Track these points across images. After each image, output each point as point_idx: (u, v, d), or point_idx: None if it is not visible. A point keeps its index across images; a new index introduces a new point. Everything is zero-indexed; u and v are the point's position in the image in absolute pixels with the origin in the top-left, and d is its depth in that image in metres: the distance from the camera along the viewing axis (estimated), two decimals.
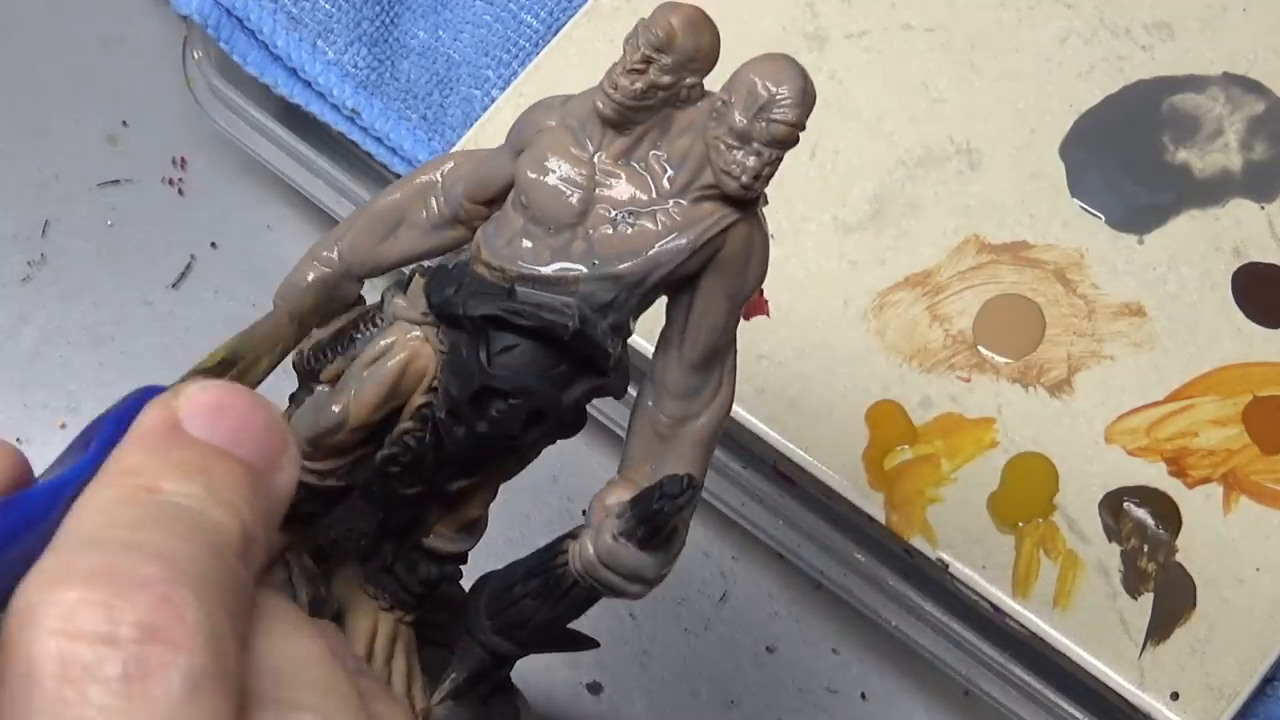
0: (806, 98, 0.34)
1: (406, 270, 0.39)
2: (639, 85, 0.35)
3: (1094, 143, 0.60)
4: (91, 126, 0.67)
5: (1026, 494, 0.55)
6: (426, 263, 0.39)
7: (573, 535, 0.38)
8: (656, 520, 0.36)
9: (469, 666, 0.41)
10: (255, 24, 0.62)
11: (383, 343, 0.37)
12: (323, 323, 0.40)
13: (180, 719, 0.26)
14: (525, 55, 0.63)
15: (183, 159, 0.67)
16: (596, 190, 0.36)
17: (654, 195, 0.36)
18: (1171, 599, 0.54)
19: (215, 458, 0.29)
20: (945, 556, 0.55)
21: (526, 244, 0.36)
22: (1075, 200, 0.59)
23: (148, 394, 0.30)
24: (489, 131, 0.60)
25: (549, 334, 0.36)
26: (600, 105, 0.36)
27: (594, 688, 0.59)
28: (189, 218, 0.66)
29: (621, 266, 0.36)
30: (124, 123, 0.67)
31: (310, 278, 0.40)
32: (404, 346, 0.37)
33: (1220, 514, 0.55)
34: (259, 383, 0.35)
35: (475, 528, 0.41)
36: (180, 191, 0.66)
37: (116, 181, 0.66)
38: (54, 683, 0.25)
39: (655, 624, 0.60)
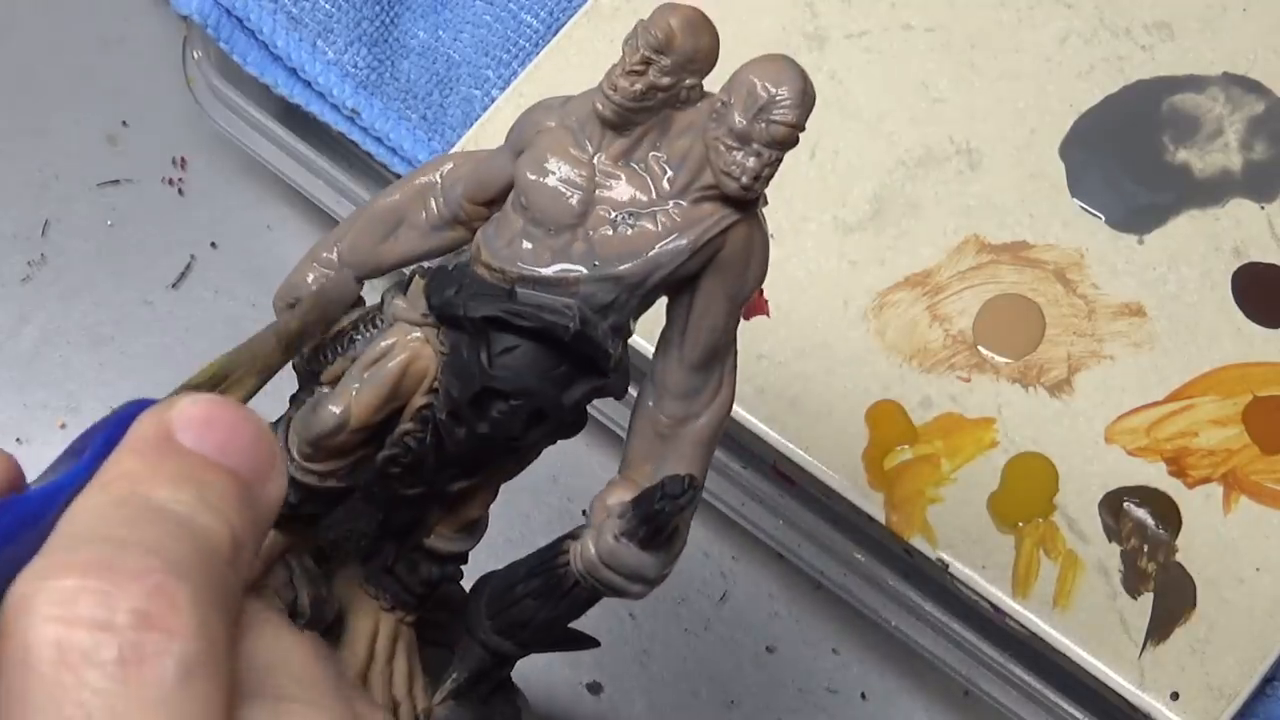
0: (806, 98, 0.34)
1: (406, 271, 0.39)
2: (638, 86, 0.35)
3: (1094, 143, 0.60)
4: (91, 126, 0.67)
5: (1026, 494, 0.55)
6: (426, 264, 0.39)
7: (574, 535, 0.39)
8: (658, 520, 0.36)
9: (470, 666, 0.41)
10: (255, 24, 0.62)
11: (383, 344, 0.37)
12: (323, 331, 0.40)
13: (174, 704, 0.26)
14: (525, 55, 0.63)
15: (183, 159, 0.67)
16: (596, 191, 0.36)
17: (654, 196, 0.36)
18: (1171, 599, 0.54)
19: (206, 468, 0.29)
20: (945, 556, 0.55)
21: (527, 245, 0.36)
22: (1075, 200, 0.59)
23: (140, 406, 0.30)
24: (489, 132, 0.60)
25: (550, 335, 0.36)
26: (600, 106, 0.36)
27: (594, 687, 0.59)
28: (189, 218, 0.66)
29: (622, 268, 0.36)
30: (124, 123, 0.67)
31: (310, 278, 0.40)
32: (404, 348, 0.37)
33: (1220, 514, 0.55)
34: (246, 402, 0.36)
35: (476, 528, 0.41)
36: (180, 191, 0.66)
37: (116, 181, 0.66)
38: (51, 668, 0.26)
39: (655, 624, 0.60)
